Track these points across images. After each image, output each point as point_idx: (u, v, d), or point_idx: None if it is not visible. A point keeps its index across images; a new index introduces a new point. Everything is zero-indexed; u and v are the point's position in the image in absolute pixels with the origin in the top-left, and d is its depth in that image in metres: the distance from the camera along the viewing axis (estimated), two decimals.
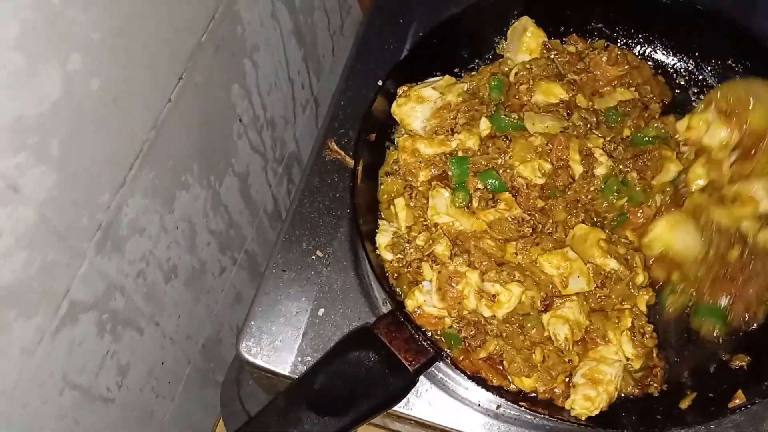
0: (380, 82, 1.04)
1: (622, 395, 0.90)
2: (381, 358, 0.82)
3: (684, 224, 0.96)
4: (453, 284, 0.91)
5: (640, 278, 0.94)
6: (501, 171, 0.97)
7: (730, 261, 0.93)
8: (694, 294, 0.94)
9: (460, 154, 0.99)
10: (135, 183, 0.90)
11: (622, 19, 1.11)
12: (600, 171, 0.97)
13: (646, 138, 1.01)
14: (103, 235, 0.86)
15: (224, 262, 1.27)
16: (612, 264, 0.92)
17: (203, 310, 1.24)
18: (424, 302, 0.92)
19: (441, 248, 0.94)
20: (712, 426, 0.95)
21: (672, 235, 0.95)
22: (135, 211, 0.92)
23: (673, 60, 1.13)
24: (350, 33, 1.59)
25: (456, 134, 1.01)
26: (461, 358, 0.90)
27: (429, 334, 0.91)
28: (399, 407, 0.96)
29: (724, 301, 0.92)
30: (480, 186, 0.97)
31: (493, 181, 0.96)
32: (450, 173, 0.99)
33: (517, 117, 0.99)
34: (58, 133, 0.73)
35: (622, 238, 0.98)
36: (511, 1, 1.10)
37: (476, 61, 1.13)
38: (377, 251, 0.97)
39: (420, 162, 1.00)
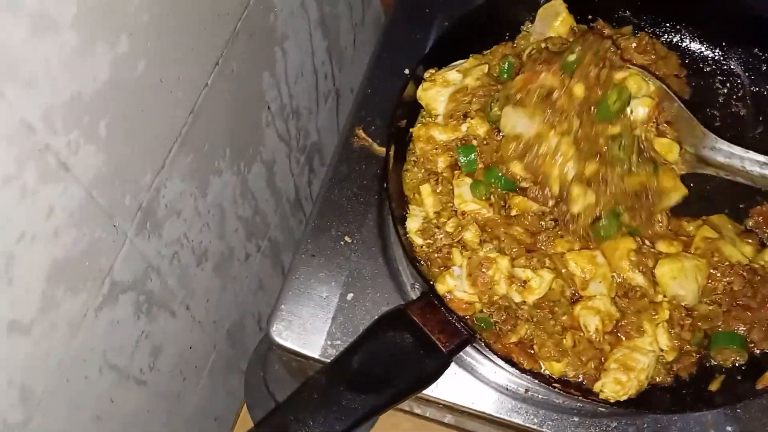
0: (411, 69, 1.06)
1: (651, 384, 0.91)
2: (415, 339, 0.84)
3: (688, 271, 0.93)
4: (483, 270, 0.92)
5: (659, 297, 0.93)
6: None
7: (739, 292, 0.93)
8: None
9: (473, 142, 1.00)
10: (173, 166, 0.92)
11: (650, 7, 1.12)
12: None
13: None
14: (143, 215, 0.88)
15: (249, 249, 1.29)
16: (638, 280, 0.92)
17: (230, 295, 1.26)
18: (455, 287, 0.93)
19: (470, 235, 0.95)
20: (738, 411, 0.97)
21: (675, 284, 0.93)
22: (172, 194, 0.94)
23: (700, 48, 1.13)
24: (371, 25, 1.61)
25: (469, 119, 1.02)
26: (492, 342, 0.92)
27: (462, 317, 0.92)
28: (427, 390, 0.98)
29: (741, 330, 0.92)
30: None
31: (499, 179, 0.97)
32: (459, 162, 1.00)
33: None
34: (106, 113, 0.74)
35: (654, 247, 0.96)
36: None
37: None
38: (408, 236, 0.98)
39: (437, 149, 1.01)
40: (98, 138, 0.74)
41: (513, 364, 0.87)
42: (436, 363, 0.84)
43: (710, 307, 0.93)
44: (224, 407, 1.42)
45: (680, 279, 0.91)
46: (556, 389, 0.85)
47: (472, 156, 0.99)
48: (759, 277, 0.93)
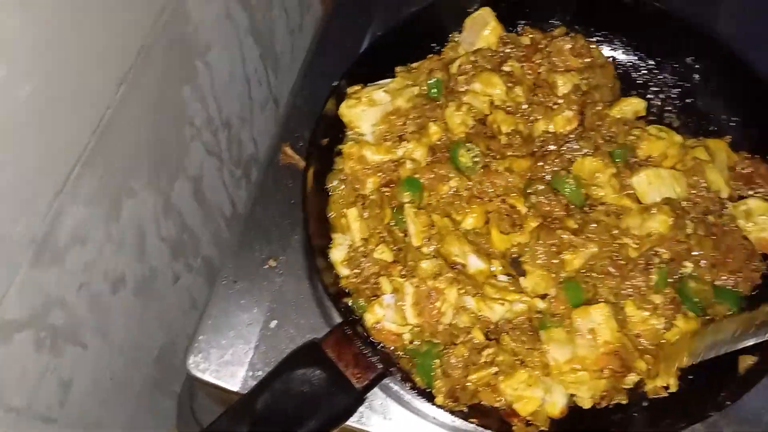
0: (335, 84, 1.01)
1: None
2: (327, 375, 0.80)
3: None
4: (431, 302, 0.88)
5: None
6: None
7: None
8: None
9: (407, 164, 0.96)
10: (75, 190, 0.86)
11: (583, 16, 1.09)
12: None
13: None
14: (39, 246, 0.82)
15: (177, 269, 1.23)
16: None
17: (156, 319, 1.20)
18: (383, 317, 0.90)
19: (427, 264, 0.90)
20: None
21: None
22: (76, 219, 0.88)
23: (633, 58, 1.11)
24: (310, 31, 1.55)
25: (405, 142, 0.98)
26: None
27: (388, 348, 0.88)
28: (352, 421, 0.93)
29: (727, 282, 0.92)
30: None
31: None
32: (404, 195, 0.96)
33: None
34: None
35: None
36: None
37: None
38: (332, 268, 0.94)
39: (367, 169, 0.97)
40: None
41: (427, 396, 0.83)
42: (349, 400, 0.81)
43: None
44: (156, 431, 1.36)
45: (656, 185, 0.93)
46: (474, 423, 0.81)
47: (419, 189, 0.95)
48: (722, 228, 0.93)
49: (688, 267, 0.91)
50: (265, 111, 1.45)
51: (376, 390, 0.88)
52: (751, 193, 0.98)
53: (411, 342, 0.89)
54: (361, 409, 0.87)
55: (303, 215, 0.89)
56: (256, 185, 1.09)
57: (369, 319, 0.89)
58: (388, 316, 0.89)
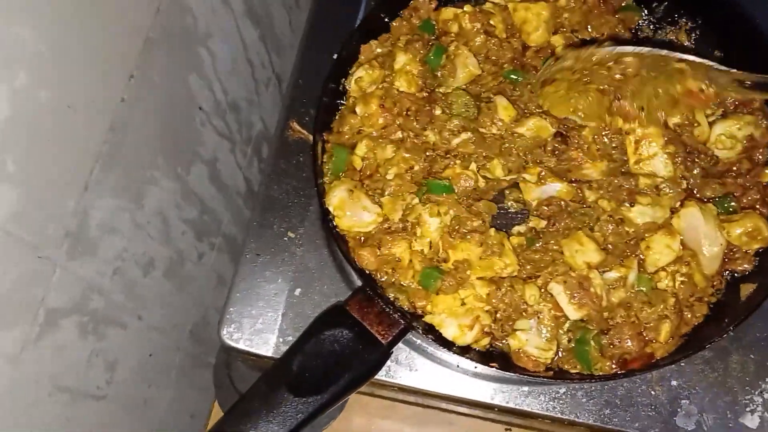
0: (335, 56, 1.05)
1: None
2: (354, 334, 0.85)
3: None
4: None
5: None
6: None
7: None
8: None
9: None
10: (99, 185, 0.91)
11: None
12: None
13: None
14: (72, 240, 0.88)
15: (202, 249, 1.29)
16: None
17: (187, 297, 1.27)
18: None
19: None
20: (683, 364, 1.00)
21: None
22: (103, 213, 0.93)
23: None
24: (307, 5, 1.58)
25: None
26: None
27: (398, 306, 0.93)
28: (381, 375, 1.00)
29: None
30: None
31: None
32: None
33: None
34: (12, 149, 0.73)
35: None
36: None
37: None
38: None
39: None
40: (7, 175, 0.73)
41: (448, 345, 0.88)
42: (376, 355, 0.86)
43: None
44: (198, 403, 1.44)
45: None
46: (494, 367, 0.86)
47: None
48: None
49: None
50: (270, 90, 1.49)
51: (400, 345, 0.93)
52: None
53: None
54: (388, 363, 0.93)
55: (316, 188, 0.94)
56: (268, 163, 1.13)
57: (513, 344, 0.90)
58: (532, 342, 0.89)
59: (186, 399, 1.35)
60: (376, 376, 0.92)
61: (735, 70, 0.87)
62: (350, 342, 0.85)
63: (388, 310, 0.87)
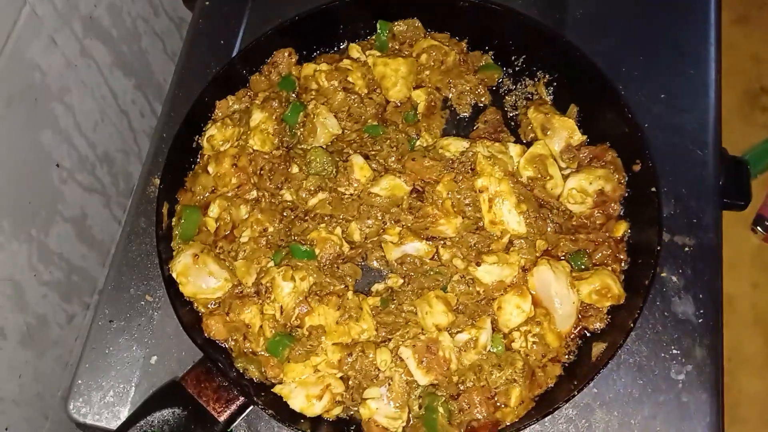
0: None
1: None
2: (189, 413, 0.81)
3: None
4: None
5: None
6: None
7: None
8: None
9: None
10: None
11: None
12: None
13: None
14: None
15: (72, 310, 1.23)
16: None
17: (53, 362, 1.20)
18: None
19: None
20: (547, 424, 0.97)
21: None
22: None
23: None
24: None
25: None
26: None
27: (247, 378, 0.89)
28: None
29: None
30: None
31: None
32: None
33: None
34: None
35: None
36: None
37: None
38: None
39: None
40: None
41: (294, 419, 0.85)
42: None
43: None
44: None
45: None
46: None
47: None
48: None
49: None
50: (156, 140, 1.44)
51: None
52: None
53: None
54: None
55: (158, 254, 0.90)
56: (127, 221, 1.08)
57: (364, 413, 0.87)
58: (382, 411, 0.87)
59: None
60: None
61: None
62: (182, 422, 0.81)
63: (226, 384, 0.83)
